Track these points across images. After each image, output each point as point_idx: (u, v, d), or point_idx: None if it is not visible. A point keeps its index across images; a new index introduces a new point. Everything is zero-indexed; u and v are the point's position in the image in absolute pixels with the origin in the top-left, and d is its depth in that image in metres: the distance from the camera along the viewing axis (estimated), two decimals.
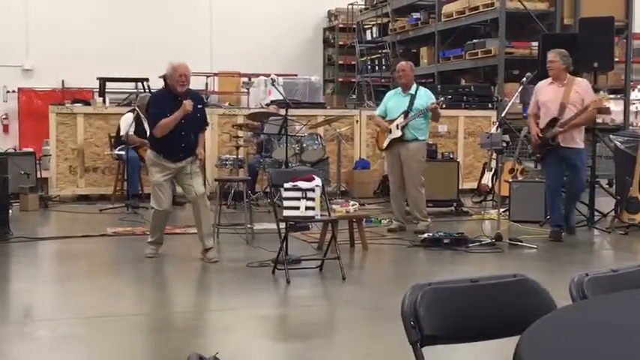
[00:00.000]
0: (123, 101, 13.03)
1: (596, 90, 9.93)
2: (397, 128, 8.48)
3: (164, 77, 12.70)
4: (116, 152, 10.73)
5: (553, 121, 7.93)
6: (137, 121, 10.47)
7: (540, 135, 7.95)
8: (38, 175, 10.78)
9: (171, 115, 6.81)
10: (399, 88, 8.73)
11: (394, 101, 8.66)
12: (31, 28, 16.95)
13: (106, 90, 14.03)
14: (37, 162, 10.88)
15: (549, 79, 8.08)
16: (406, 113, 8.44)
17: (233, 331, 5.16)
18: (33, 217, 9.79)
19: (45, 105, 13.00)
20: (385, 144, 8.68)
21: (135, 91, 13.98)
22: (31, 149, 11.28)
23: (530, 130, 8.13)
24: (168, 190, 7.07)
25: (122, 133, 10.50)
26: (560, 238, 8.13)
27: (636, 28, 15.29)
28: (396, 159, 8.59)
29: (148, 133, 7.41)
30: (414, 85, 8.64)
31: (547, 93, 8.03)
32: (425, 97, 8.53)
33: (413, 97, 8.50)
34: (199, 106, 7.07)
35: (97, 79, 14.35)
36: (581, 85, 8.06)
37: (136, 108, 10.74)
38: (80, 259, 7.31)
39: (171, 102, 6.87)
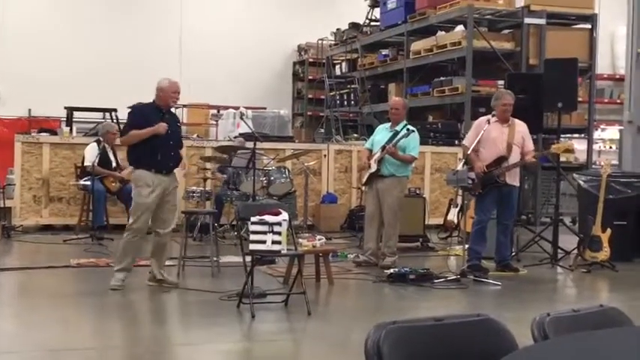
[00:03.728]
0: (90, 131, 12.94)
1: (561, 131, 10.11)
2: (375, 163, 8.53)
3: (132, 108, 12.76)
4: (82, 183, 10.63)
5: (500, 159, 8.15)
6: (103, 151, 10.41)
7: (486, 171, 8.11)
8: (1, 205, 10.63)
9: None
10: (389, 123, 8.80)
11: (380, 136, 8.70)
12: None
13: (74, 119, 13.94)
14: (1, 191, 10.74)
15: (492, 118, 8.26)
16: (383, 148, 8.49)
17: None
18: None
19: (11, 133, 12.86)
20: (364, 179, 8.75)
21: (103, 121, 13.91)
22: None
23: (472, 166, 8.21)
24: (151, 214, 7.06)
25: (87, 163, 10.44)
26: (481, 269, 8.19)
27: (599, 69, 15.65)
28: (374, 193, 8.61)
29: (127, 152, 7.42)
30: (403, 123, 8.69)
31: (493, 131, 8.20)
32: (402, 133, 8.50)
33: (396, 134, 8.53)
34: (178, 124, 7.50)
35: (65, 108, 14.26)
36: (522, 126, 8.39)
37: (100, 138, 10.68)
38: (42, 291, 7.22)
39: (156, 115, 7.05)
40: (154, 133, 6.91)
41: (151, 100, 7.19)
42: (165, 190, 7.03)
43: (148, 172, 6.95)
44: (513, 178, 8.30)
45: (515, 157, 8.22)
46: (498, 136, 8.20)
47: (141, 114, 7.15)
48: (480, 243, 8.29)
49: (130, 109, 7.63)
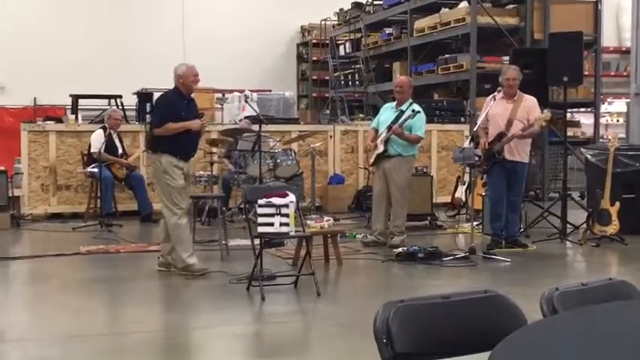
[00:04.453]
0: (96, 118, 12.94)
1: (567, 106, 10.07)
2: (381, 143, 8.51)
3: (138, 94, 12.76)
4: (89, 170, 10.65)
5: (500, 136, 8.11)
6: (109, 138, 10.42)
7: (487, 147, 8.09)
8: (10, 194, 10.66)
9: (185, 115, 7.06)
10: (394, 102, 8.77)
11: (385, 115, 8.67)
12: (2, 45, 16.81)
13: (79, 107, 13.93)
14: (9, 180, 10.76)
15: (498, 95, 8.19)
16: (389, 128, 8.46)
17: (208, 350, 5.14)
18: (4, 237, 9.67)
19: (17, 122, 12.87)
20: (372, 160, 8.74)
21: (108, 108, 13.89)
22: (2, 167, 11.16)
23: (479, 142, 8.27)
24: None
25: (93, 150, 10.45)
26: (499, 246, 8.22)
27: (605, 42, 15.53)
28: (381, 173, 8.61)
29: (149, 135, 7.51)
30: (409, 102, 8.65)
31: (496, 107, 8.16)
32: (407, 114, 8.47)
33: (401, 114, 8.49)
34: (199, 111, 7.54)
35: (70, 96, 14.24)
36: (529, 101, 8.23)
37: (106, 125, 10.69)
38: (53, 279, 7.25)
39: (182, 104, 7.16)
40: (189, 128, 7.05)
41: (173, 87, 7.23)
42: (185, 175, 7.19)
43: (174, 158, 7.06)
44: (513, 154, 8.12)
45: None
46: (501, 113, 8.14)
47: (172, 104, 7.18)
48: (494, 220, 8.29)
49: (158, 100, 7.65)
